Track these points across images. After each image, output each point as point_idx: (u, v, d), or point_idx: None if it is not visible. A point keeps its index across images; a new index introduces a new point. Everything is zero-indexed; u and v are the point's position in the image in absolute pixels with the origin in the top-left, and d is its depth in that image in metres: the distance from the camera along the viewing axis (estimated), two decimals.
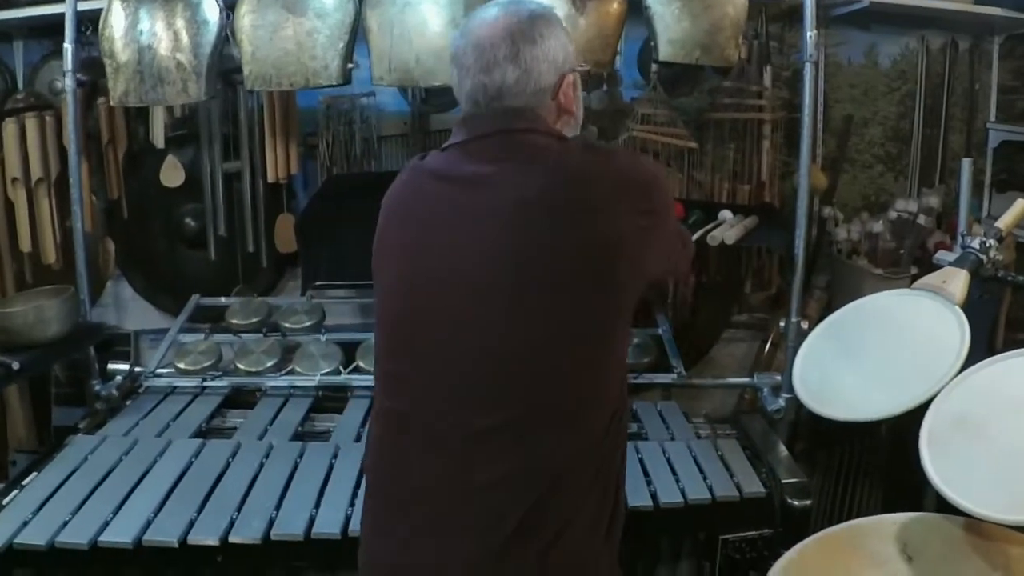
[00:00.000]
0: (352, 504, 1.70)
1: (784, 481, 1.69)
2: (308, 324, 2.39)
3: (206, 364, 2.27)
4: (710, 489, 1.69)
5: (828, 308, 2.70)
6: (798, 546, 1.48)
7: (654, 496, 1.67)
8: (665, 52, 2.17)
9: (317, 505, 1.72)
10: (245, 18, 2.14)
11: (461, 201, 1.36)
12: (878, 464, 2.53)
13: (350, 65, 2.19)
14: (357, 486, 1.76)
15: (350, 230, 2.39)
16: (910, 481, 2.07)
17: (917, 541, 1.48)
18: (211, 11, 2.14)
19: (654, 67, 2.48)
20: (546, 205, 1.30)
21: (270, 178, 2.63)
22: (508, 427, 1.28)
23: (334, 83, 2.18)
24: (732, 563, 1.68)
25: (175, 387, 2.25)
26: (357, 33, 2.18)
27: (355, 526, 1.61)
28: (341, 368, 2.25)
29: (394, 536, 1.35)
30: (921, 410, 1.50)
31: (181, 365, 2.28)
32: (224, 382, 2.25)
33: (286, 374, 2.25)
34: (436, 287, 1.35)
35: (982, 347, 1.61)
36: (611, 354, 1.35)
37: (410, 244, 1.40)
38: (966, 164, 2.14)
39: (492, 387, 1.30)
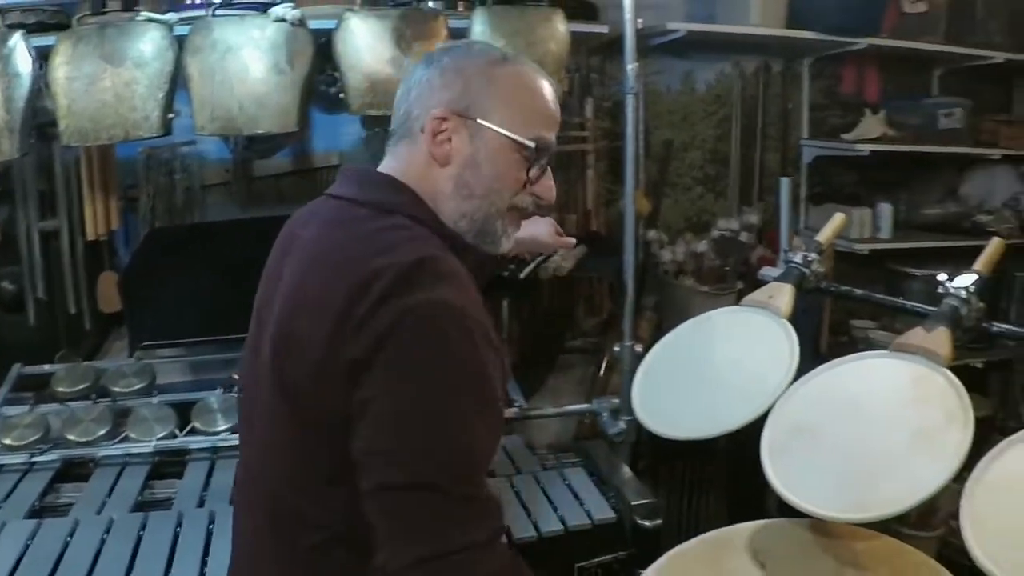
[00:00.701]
0: (202, 574, 1.63)
1: (633, 504, 1.75)
2: (139, 387, 2.28)
3: (33, 438, 2.11)
4: (562, 520, 1.73)
5: (659, 328, 2.82)
6: (653, 566, 1.53)
7: (507, 532, 1.69)
8: None
9: None
10: (60, 70, 2.03)
11: (287, 264, 1.22)
12: (720, 475, 2.66)
13: (171, 115, 2.12)
14: (206, 554, 1.69)
15: (176, 284, 2.31)
16: (752, 489, 2.19)
17: (767, 547, 1.57)
18: (23, 63, 2.01)
19: None
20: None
21: (90, 235, 2.50)
22: None
23: (155, 134, 2.10)
24: None
25: (2, 465, 2.09)
26: (177, 81, 2.12)
27: None
28: (177, 431, 2.15)
29: None
30: (759, 421, 1.59)
31: (7, 441, 2.11)
32: (54, 455, 2.10)
33: (119, 441, 2.13)
34: (250, 343, 1.29)
35: (809, 355, 1.72)
36: None
37: (257, 297, 1.32)
38: (784, 183, 2.30)
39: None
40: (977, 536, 1.25)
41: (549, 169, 1.28)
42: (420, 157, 1.21)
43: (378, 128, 2.65)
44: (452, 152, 1.19)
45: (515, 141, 1.20)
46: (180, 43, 2.07)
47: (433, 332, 1.03)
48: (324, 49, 2.20)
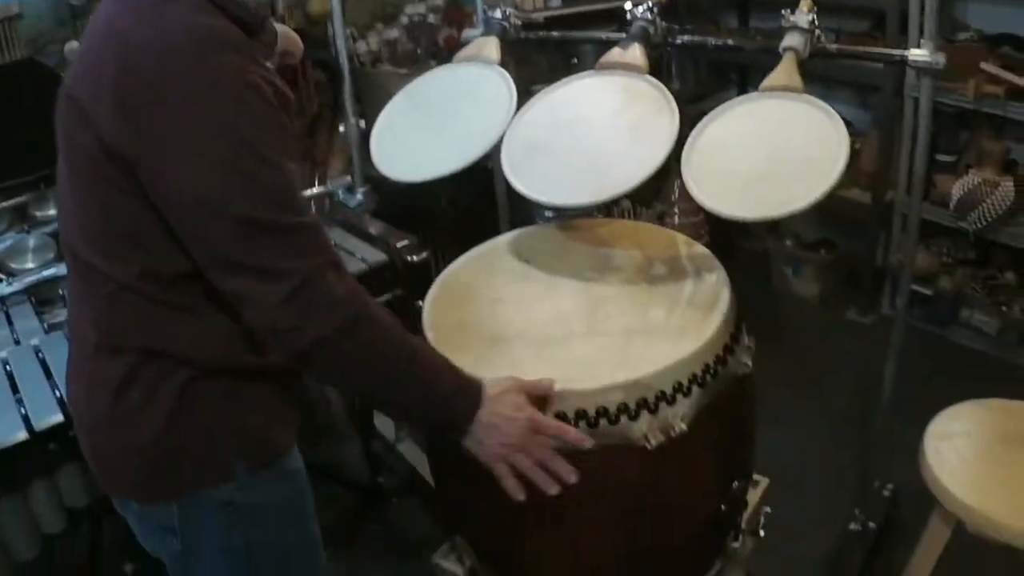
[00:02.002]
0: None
1: (399, 244, 1.90)
2: None
3: None
4: None
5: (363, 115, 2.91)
6: (429, 293, 1.71)
7: None
8: None
9: None
10: None
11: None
12: (449, 226, 2.89)
13: None
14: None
15: None
16: (489, 218, 2.45)
17: (529, 248, 1.82)
18: None
19: None
20: None
21: None
22: None
23: None
24: None
25: None
26: None
27: None
28: None
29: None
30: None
31: None
32: None
33: None
34: None
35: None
36: None
37: None
38: None
39: None
40: (698, 186, 1.58)
41: None
42: None
43: None
44: None
45: None
46: None
47: (216, 79, 1.04)
48: None
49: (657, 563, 1.62)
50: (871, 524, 2.20)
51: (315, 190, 2.29)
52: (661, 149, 1.63)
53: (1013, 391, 2.61)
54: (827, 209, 3.24)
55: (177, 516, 1.19)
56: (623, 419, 1.42)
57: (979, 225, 2.75)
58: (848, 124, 1.62)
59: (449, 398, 1.23)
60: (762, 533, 2.00)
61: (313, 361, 1.12)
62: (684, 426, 1.45)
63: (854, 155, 3.06)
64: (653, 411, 1.43)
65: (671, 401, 1.44)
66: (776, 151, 1.61)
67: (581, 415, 1.42)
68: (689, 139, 1.65)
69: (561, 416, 1.41)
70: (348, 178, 2.39)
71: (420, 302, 1.85)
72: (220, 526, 1.20)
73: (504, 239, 1.88)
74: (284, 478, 1.27)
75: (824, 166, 1.53)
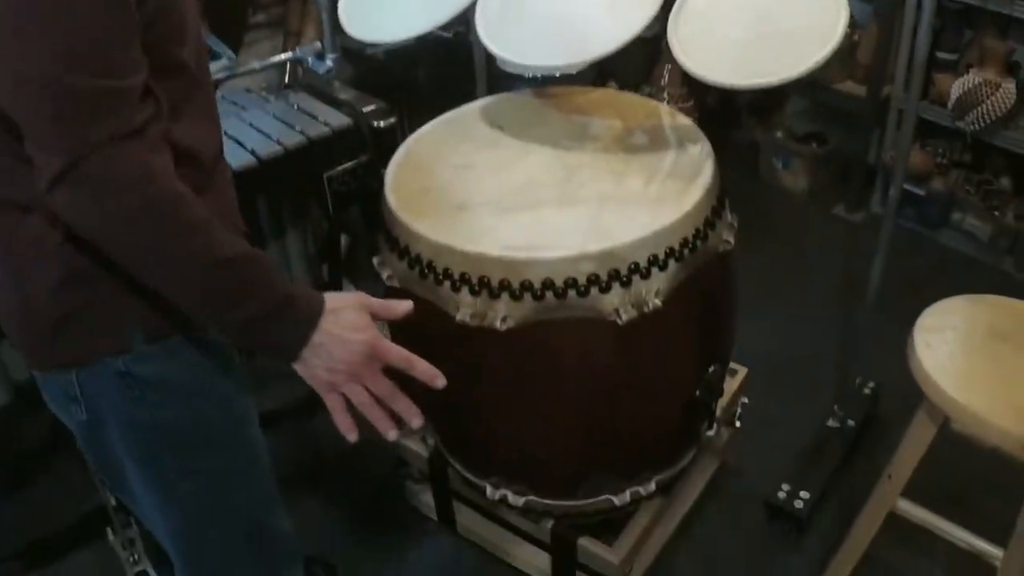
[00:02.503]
0: None
1: (365, 110, 1.78)
2: None
3: None
4: (303, 133, 1.72)
5: None
6: (395, 157, 1.59)
7: (254, 152, 1.66)
8: None
9: None
10: None
11: None
12: (433, 87, 2.76)
13: None
14: None
15: None
16: (467, 93, 2.32)
17: (501, 114, 1.70)
18: None
19: None
20: None
21: None
22: None
23: None
24: (340, 196, 1.77)
25: None
26: None
27: None
28: None
29: None
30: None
31: None
32: None
33: None
34: None
35: None
36: None
37: None
38: None
39: None
40: (686, 53, 1.45)
41: None
42: None
43: None
44: None
45: None
46: None
47: None
48: None
49: (627, 449, 1.56)
50: (850, 422, 2.14)
51: (281, 56, 2.14)
52: (645, 13, 1.50)
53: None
54: (821, 101, 3.13)
55: (77, 385, 1.09)
56: (593, 291, 1.34)
57: (977, 126, 2.63)
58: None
59: (273, 315, 0.99)
60: (738, 424, 1.95)
61: (108, 251, 0.95)
62: (658, 302, 1.37)
63: (852, 47, 2.96)
64: (626, 284, 1.34)
65: (645, 275, 1.35)
66: (770, 16, 1.48)
67: (548, 285, 1.33)
68: (676, 4, 1.51)
69: (527, 286, 1.32)
70: (318, 44, 2.23)
71: (383, 170, 1.74)
72: (123, 399, 1.09)
73: (476, 105, 1.75)
74: (190, 351, 1.12)
75: (821, 33, 1.41)
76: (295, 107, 1.83)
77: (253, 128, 1.75)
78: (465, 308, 1.37)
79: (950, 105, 2.68)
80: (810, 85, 2.93)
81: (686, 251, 1.39)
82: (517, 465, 1.61)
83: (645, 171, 1.50)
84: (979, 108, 2.63)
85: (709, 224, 1.45)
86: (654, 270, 1.36)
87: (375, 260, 1.54)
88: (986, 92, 2.60)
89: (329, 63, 2.15)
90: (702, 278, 1.45)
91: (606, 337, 1.38)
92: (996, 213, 2.73)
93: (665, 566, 1.90)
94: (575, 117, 1.68)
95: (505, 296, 1.34)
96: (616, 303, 1.35)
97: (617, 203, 1.43)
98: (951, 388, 1.29)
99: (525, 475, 1.63)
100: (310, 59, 2.18)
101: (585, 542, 1.70)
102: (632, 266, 1.34)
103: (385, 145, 1.76)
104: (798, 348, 2.45)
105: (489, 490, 1.68)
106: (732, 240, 1.52)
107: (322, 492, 2.15)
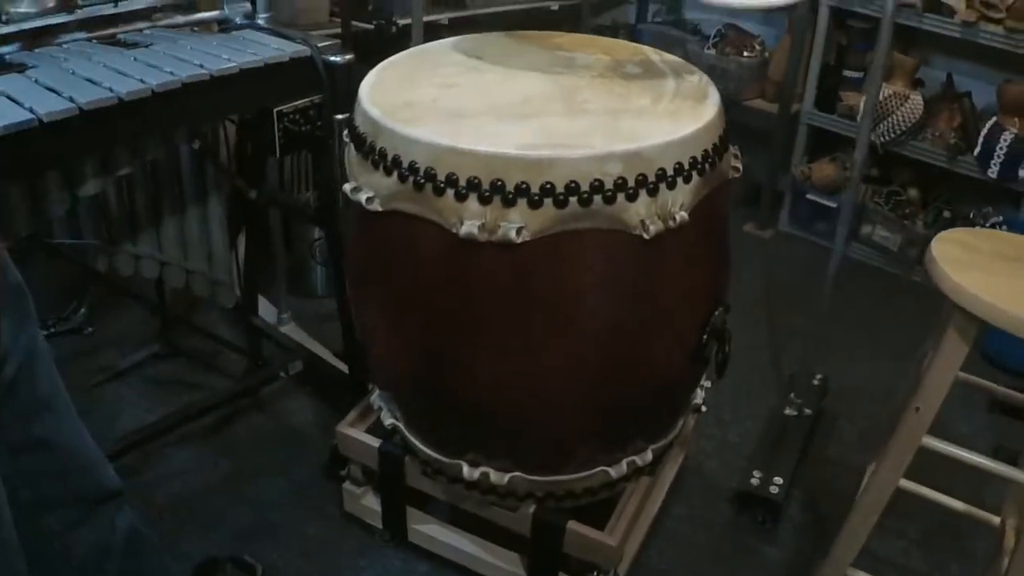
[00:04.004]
0: None
1: (320, 44, 1.59)
2: None
3: None
4: (255, 55, 1.50)
5: None
6: (365, 81, 1.41)
7: (203, 66, 1.42)
8: None
9: None
10: None
11: None
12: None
13: None
14: None
15: None
16: None
17: (474, 49, 1.55)
18: None
19: None
20: None
21: None
22: None
23: None
24: (291, 135, 1.56)
25: None
26: None
27: None
28: None
29: None
30: None
31: None
32: None
33: None
34: None
35: None
36: None
37: None
38: None
39: None
40: None
41: None
42: None
43: None
44: None
45: None
46: None
47: None
48: None
49: (633, 399, 1.39)
50: (807, 410, 2.07)
51: (206, 15, 1.92)
52: None
53: (914, 303, 2.60)
54: (731, 119, 3.13)
55: None
56: (620, 198, 1.19)
57: (887, 138, 2.71)
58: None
59: None
60: (704, 408, 1.82)
61: None
62: (685, 215, 1.23)
63: (763, 65, 3.01)
64: (653, 192, 1.20)
65: (672, 184, 1.22)
66: None
67: (572, 189, 1.17)
68: None
69: (548, 189, 1.16)
70: (247, 4, 2.02)
71: (340, 116, 1.56)
72: None
73: (445, 41, 1.61)
74: None
75: None
76: (242, 39, 1.61)
77: (199, 52, 1.50)
78: (472, 220, 1.18)
79: (859, 117, 2.75)
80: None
81: (707, 165, 1.27)
82: (504, 431, 1.41)
83: (650, 92, 1.38)
84: (889, 119, 2.71)
85: (723, 143, 1.34)
86: (679, 180, 1.23)
87: (346, 188, 1.33)
88: (895, 103, 2.69)
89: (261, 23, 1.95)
90: (716, 202, 1.33)
91: (630, 253, 1.22)
92: (906, 222, 2.80)
93: (636, 564, 1.73)
94: (558, 53, 1.55)
95: (522, 203, 1.17)
96: (643, 213, 1.20)
97: (631, 115, 1.30)
98: (986, 295, 1.21)
99: (510, 446, 1.44)
100: (238, 19, 1.97)
101: (575, 526, 1.50)
102: (659, 172, 1.20)
103: (340, 86, 1.57)
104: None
105: (466, 469, 1.47)
106: (740, 167, 1.42)
107: (244, 500, 1.86)
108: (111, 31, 1.56)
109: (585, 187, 1.17)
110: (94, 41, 1.54)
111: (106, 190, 1.62)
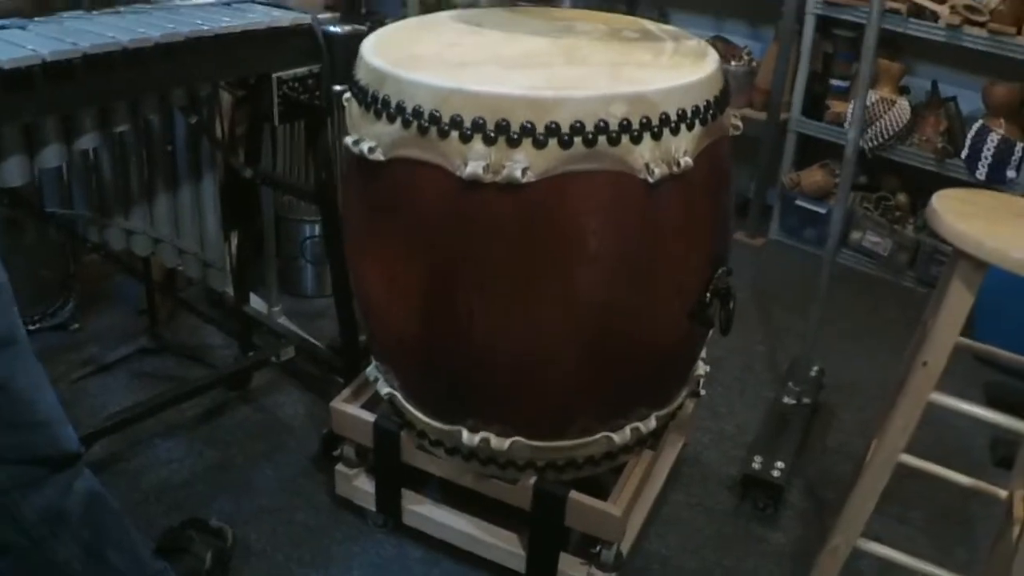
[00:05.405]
0: None
1: (321, 16, 1.59)
2: None
3: None
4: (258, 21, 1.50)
5: None
6: (368, 40, 1.41)
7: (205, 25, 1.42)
8: None
9: None
10: None
11: None
12: None
13: None
14: None
15: None
16: None
17: (473, 18, 1.56)
18: None
19: None
20: None
21: None
22: None
23: None
24: (290, 101, 1.55)
25: None
26: None
27: None
28: None
29: None
30: None
31: None
32: None
33: None
34: None
35: None
36: None
37: None
38: None
39: None
40: None
41: None
42: None
43: None
44: None
45: None
46: None
47: None
48: None
49: (635, 358, 1.37)
50: (805, 399, 2.05)
51: None
52: None
53: (905, 307, 2.60)
54: None
55: None
56: (624, 140, 1.18)
57: (875, 143, 2.73)
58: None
59: None
60: (703, 392, 1.80)
61: None
62: (688, 160, 1.23)
63: (751, 74, 3.05)
64: (656, 136, 1.20)
65: (675, 130, 1.22)
66: None
67: (577, 129, 1.16)
68: None
69: (553, 129, 1.15)
70: None
71: (339, 87, 1.56)
72: None
73: (443, 13, 1.61)
74: None
75: None
76: (242, 9, 1.61)
77: (201, 16, 1.50)
78: (477, 161, 1.17)
79: (847, 123, 2.78)
80: None
81: (709, 115, 1.27)
82: (503, 391, 1.38)
83: (650, 51, 1.39)
84: (876, 124, 2.73)
85: (724, 97, 1.34)
86: (683, 127, 1.22)
87: (347, 140, 1.32)
88: (882, 109, 2.72)
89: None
90: (718, 155, 1.33)
91: (635, 196, 1.22)
92: (896, 227, 2.81)
93: (637, 549, 1.69)
94: (555, 22, 1.56)
95: (527, 143, 1.16)
96: (647, 156, 1.20)
97: (633, 67, 1.30)
98: (990, 239, 1.21)
99: (511, 408, 1.41)
100: None
101: (577, 496, 1.47)
102: (663, 116, 1.20)
103: (339, 56, 1.57)
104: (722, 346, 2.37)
105: (466, 435, 1.44)
106: (741, 125, 1.43)
107: (232, 488, 1.81)
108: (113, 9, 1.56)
109: (590, 127, 1.16)
110: (94, 13, 1.53)
111: (100, 155, 1.60)
